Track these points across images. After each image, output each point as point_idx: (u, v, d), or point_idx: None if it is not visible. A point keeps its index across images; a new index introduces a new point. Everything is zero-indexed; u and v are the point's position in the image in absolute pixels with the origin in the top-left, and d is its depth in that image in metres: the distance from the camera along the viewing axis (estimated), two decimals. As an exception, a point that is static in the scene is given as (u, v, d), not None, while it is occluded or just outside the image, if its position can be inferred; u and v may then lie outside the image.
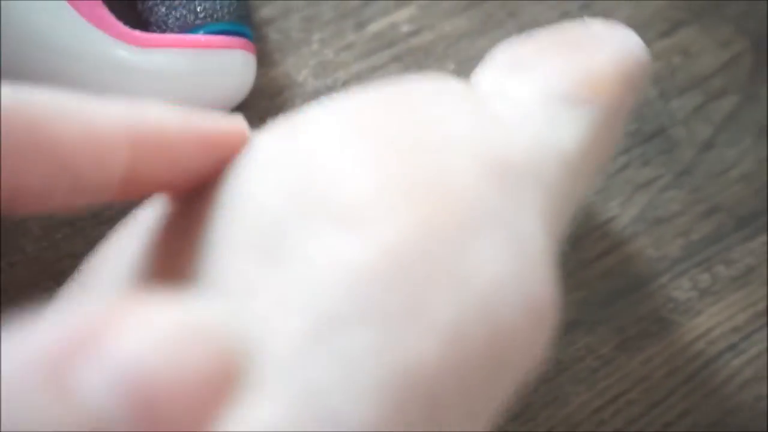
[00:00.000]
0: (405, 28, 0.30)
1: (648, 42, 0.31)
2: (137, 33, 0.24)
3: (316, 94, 0.28)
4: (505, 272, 0.14)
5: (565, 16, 0.31)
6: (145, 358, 0.10)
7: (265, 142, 0.17)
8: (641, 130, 0.30)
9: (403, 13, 0.30)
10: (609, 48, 0.20)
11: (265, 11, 0.29)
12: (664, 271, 0.28)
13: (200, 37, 0.25)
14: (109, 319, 0.11)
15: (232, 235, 0.15)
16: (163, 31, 0.25)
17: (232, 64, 0.25)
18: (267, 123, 0.28)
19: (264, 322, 0.13)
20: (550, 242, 0.16)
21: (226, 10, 0.25)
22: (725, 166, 0.30)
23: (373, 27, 0.29)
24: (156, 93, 0.24)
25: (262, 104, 0.28)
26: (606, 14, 0.31)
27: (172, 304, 0.11)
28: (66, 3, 0.22)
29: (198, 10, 0.25)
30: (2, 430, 0.09)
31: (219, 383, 0.11)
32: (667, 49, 0.31)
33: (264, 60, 0.28)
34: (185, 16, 0.25)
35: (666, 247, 0.28)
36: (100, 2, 0.23)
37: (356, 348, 0.13)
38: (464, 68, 0.30)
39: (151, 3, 0.25)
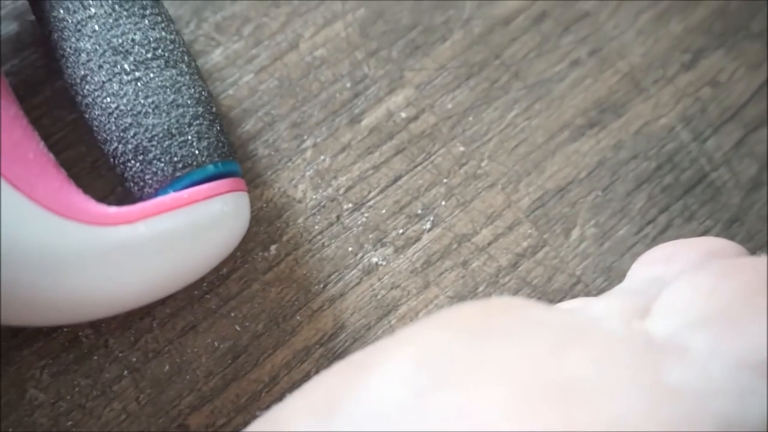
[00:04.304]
0: (403, 114, 0.27)
1: (670, 79, 0.28)
2: (112, 210, 0.21)
3: (319, 209, 0.26)
4: None
5: (576, 65, 0.28)
6: None
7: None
8: (679, 181, 0.27)
9: (398, 98, 0.27)
10: None
11: (248, 126, 0.26)
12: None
13: (182, 194, 0.22)
14: None
15: None
16: (141, 189, 0.22)
17: (223, 211, 0.22)
18: (270, 251, 0.25)
19: None
20: None
21: (206, 153, 0.23)
22: (778, 205, 0.27)
23: (368, 120, 0.27)
24: (148, 267, 0.21)
25: (261, 232, 0.25)
26: (619, 56, 0.28)
27: None
28: (26, 200, 0.20)
29: (175, 160, 0.22)
30: None
31: None
32: (692, 83, 0.28)
33: (256, 181, 0.26)
34: (163, 170, 0.22)
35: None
36: (65, 184, 0.21)
37: None
38: (474, 148, 0.27)
39: (123, 160, 0.22)
